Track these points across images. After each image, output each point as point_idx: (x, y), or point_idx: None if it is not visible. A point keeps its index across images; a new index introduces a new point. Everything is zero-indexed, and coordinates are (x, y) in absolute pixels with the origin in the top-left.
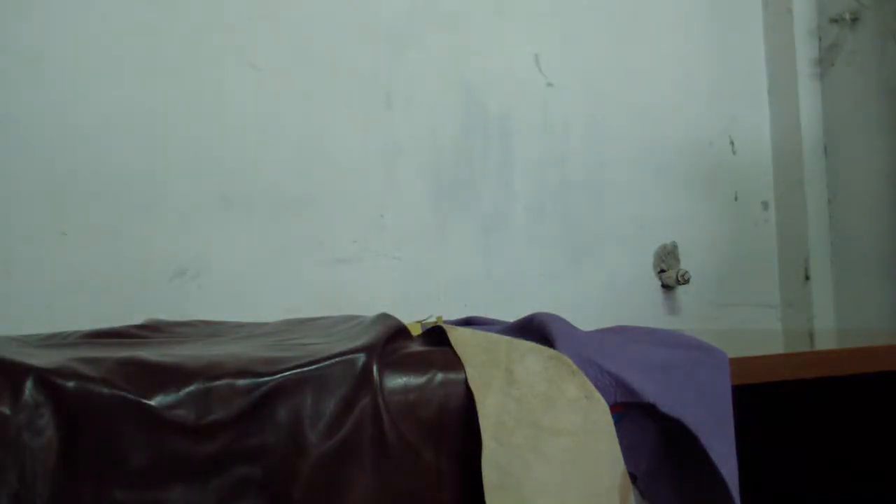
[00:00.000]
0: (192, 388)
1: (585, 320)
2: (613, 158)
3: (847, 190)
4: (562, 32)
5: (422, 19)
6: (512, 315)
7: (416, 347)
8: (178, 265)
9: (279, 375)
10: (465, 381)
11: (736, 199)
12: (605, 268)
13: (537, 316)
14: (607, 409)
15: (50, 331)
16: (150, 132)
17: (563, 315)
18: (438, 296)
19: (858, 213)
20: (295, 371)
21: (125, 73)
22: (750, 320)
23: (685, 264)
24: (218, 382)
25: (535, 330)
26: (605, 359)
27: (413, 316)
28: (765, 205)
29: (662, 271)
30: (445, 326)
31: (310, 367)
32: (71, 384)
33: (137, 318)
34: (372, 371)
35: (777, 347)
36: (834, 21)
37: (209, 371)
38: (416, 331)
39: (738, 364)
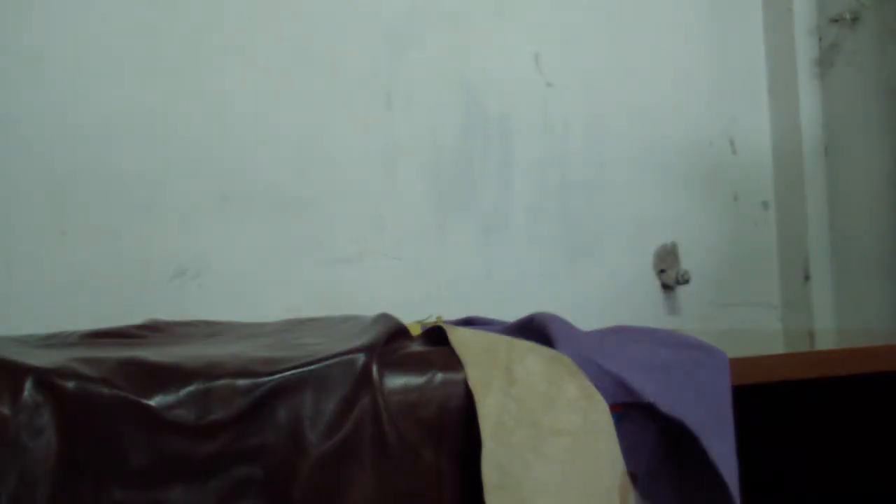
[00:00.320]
0: (192, 388)
1: (585, 320)
2: (613, 158)
3: (847, 190)
4: (562, 32)
5: (422, 19)
6: (512, 315)
7: (416, 347)
8: (178, 265)
9: (279, 375)
10: (465, 381)
11: (736, 199)
12: (605, 268)
13: (537, 316)
14: (607, 409)
15: (50, 331)
16: (150, 132)
17: (563, 315)
18: (438, 296)
19: (858, 212)
20: (295, 371)
21: (125, 73)
22: (750, 320)
23: (685, 264)
24: (218, 382)
25: (535, 330)
26: (605, 359)
27: (413, 316)
28: (765, 205)
29: (662, 271)
30: (445, 326)
31: (310, 367)
32: (71, 384)
33: (137, 318)
34: (372, 371)
35: (777, 347)
36: (834, 21)
37: (209, 371)
38: (416, 331)
39: (738, 364)
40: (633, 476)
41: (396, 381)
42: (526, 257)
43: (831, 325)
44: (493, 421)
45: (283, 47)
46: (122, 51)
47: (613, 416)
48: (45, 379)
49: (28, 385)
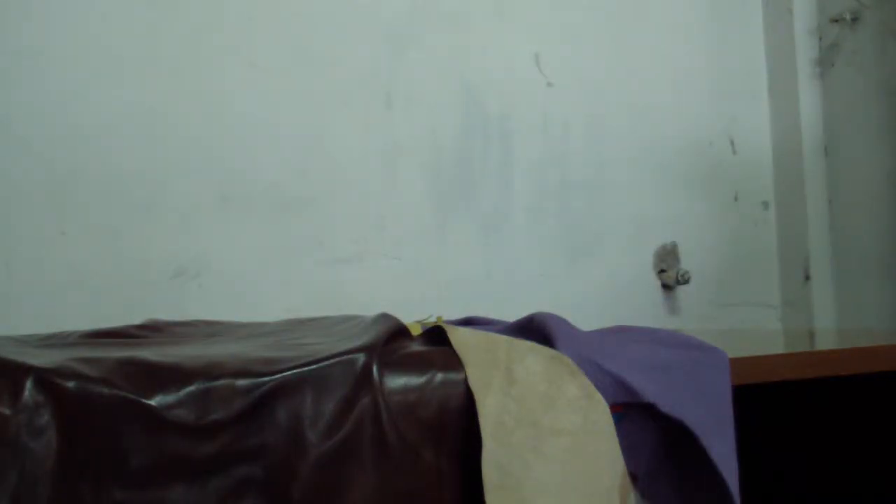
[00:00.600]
0: (192, 388)
1: (585, 320)
2: (613, 158)
3: (847, 190)
4: (562, 32)
5: (422, 19)
6: (512, 315)
7: (416, 347)
8: (178, 265)
9: (279, 375)
10: (465, 381)
11: (736, 199)
12: (605, 268)
13: (537, 316)
14: (607, 409)
15: (50, 331)
16: (150, 132)
17: (563, 315)
18: (438, 296)
19: (858, 213)
20: (295, 371)
21: (125, 73)
22: (750, 320)
23: (685, 264)
24: (218, 382)
25: (535, 330)
26: (605, 359)
27: (413, 316)
28: (765, 205)
29: (662, 271)
30: (445, 326)
31: (310, 367)
32: (71, 384)
33: (137, 318)
34: (372, 371)
35: (777, 347)
36: (834, 21)
37: (209, 371)
38: (416, 331)
39: (738, 364)
40: (633, 476)
41: (396, 381)
42: (526, 257)
43: (831, 325)
44: (493, 421)
45: (283, 47)
46: (122, 51)
47: (613, 416)
48: (45, 379)
49: (28, 385)
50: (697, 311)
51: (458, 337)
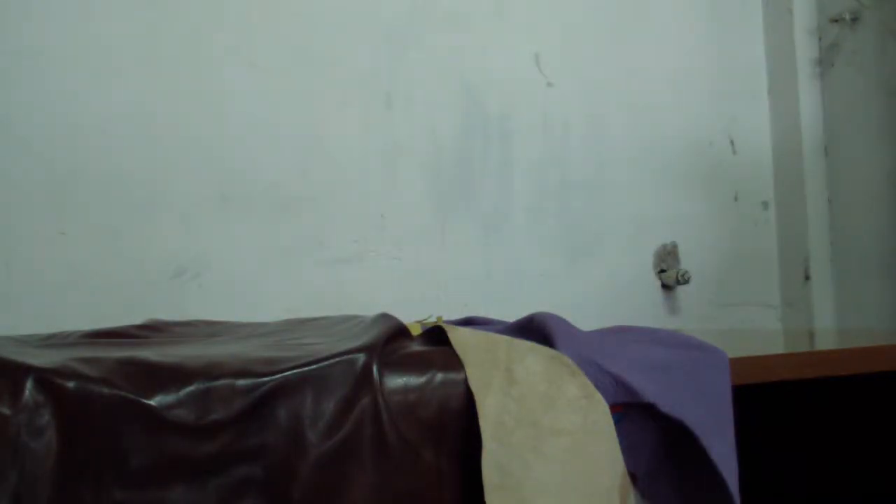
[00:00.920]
0: (192, 388)
1: (585, 320)
2: (613, 158)
3: (847, 190)
4: (562, 32)
5: (422, 19)
6: (512, 315)
7: (416, 347)
8: (178, 265)
9: (279, 375)
10: (465, 381)
11: (736, 199)
12: (605, 268)
13: (537, 316)
14: (607, 409)
15: (50, 331)
16: (150, 132)
17: (563, 315)
18: (438, 296)
19: (858, 213)
20: (295, 371)
21: (125, 73)
22: (750, 320)
23: (685, 264)
24: (218, 382)
25: (535, 330)
26: (605, 359)
27: (413, 316)
28: (765, 205)
29: (662, 271)
30: (445, 326)
31: (310, 367)
32: (71, 384)
33: (137, 318)
34: (372, 371)
35: (777, 347)
36: (834, 21)
37: (209, 371)
38: (416, 331)
39: (738, 364)
40: (633, 476)
41: (396, 381)
42: (526, 257)
43: (831, 325)
44: (494, 421)
45: (283, 47)
46: (121, 51)
47: (613, 416)
48: (45, 379)
49: (28, 385)
50: (697, 311)
51: (458, 337)
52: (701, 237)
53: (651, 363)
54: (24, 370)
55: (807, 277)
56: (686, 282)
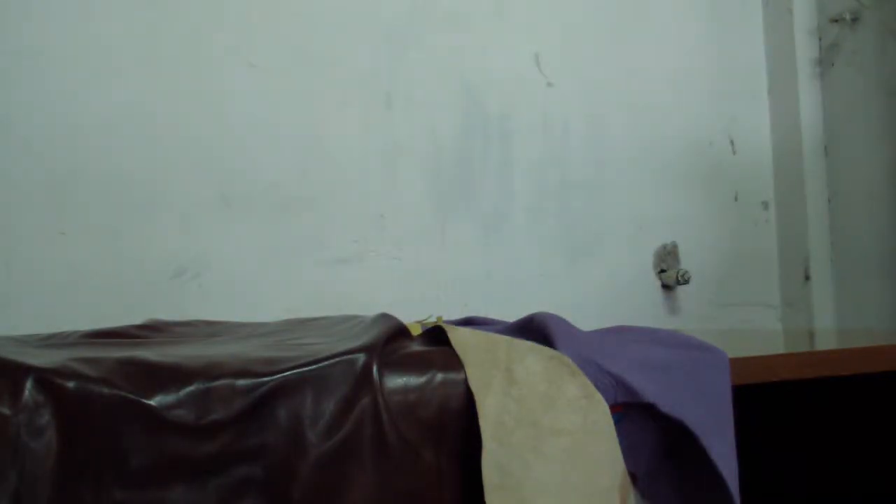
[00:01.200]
0: (192, 388)
1: (585, 320)
2: (613, 158)
3: (847, 190)
4: (562, 32)
5: (422, 19)
6: (512, 315)
7: (416, 347)
8: (178, 265)
9: (279, 375)
10: (465, 381)
11: (736, 199)
12: (605, 268)
13: (537, 316)
14: (607, 409)
15: (50, 331)
16: (150, 132)
17: (563, 315)
18: (438, 296)
19: (858, 213)
20: (295, 371)
21: (125, 73)
22: (750, 320)
23: (685, 264)
24: (218, 382)
25: (535, 330)
26: (605, 359)
27: (413, 316)
28: (765, 205)
29: (662, 271)
30: (445, 326)
31: (310, 367)
32: (71, 384)
33: (137, 318)
34: (372, 371)
35: (777, 347)
36: (834, 21)
37: (209, 371)
38: (416, 331)
39: (738, 364)
40: (633, 476)
41: (396, 381)
42: (526, 257)
43: (831, 325)
44: (494, 421)
45: (282, 47)
46: (121, 51)
47: (613, 416)
48: (45, 379)
49: (28, 385)
50: (697, 311)
51: (458, 337)
52: (701, 237)
53: (651, 363)
54: (24, 370)
55: (807, 277)
56: (686, 282)
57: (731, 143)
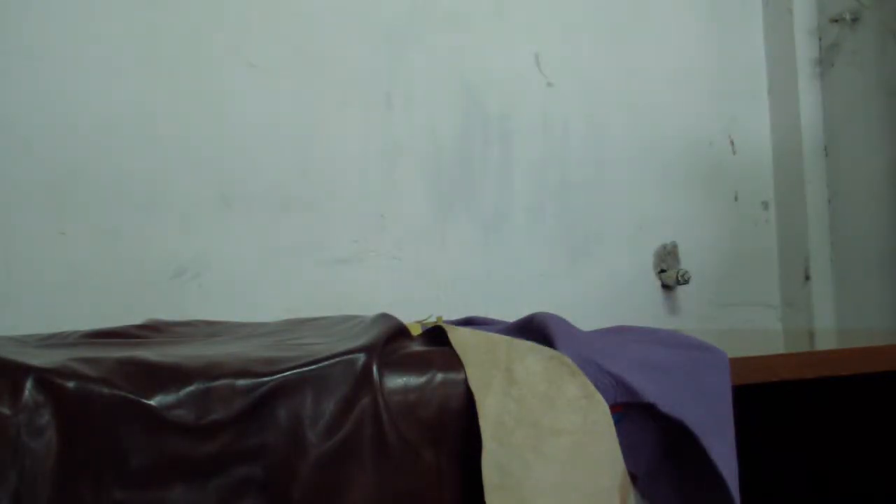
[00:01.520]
0: (192, 388)
1: (585, 320)
2: (613, 158)
3: (847, 190)
4: (562, 32)
5: (422, 19)
6: (512, 315)
7: (416, 347)
8: (178, 265)
9: (279, 375)
10: (465, 381)
11: (736, 199)
12: (605, 268)
13: (537, 316)
14: (607, 409)
15: (50, 331)
16: (150, 132)
17: (563, 315)
18: (438, 296)
19: (858, 213)
20: (295, 371)
21: (125, 74)
22: (750, 320)
23: (685, 264)
24: (218, 382)
25: (535, 330)
26: (605, 359)
27: (413, 316)
28: (765, 205)
29: (662, 271)
30: (445, 326)
31: (310, 367)
32: (71, 384)
33: (137, 318)
34: (372, 371)
35: (777, 347)
36: (834, 21)
37: (209, 371)
38: (416, 331)
39: (738, 364)
40: (633, 476)
41: (396, 381)
42: (526, 257)
43: (831, 325)
44: (494, 421)
45: (282, 47)
46: (122, 51)
47: (613, 416)
48: (45, 379)
49: (28, 385)
50: (697, 311)
51: (458, 337)
52: (701, 237)
53: (651, 363)
54: (24, 370)
55: (807, 277)
56: (686, 282)
57: (731, 143)
